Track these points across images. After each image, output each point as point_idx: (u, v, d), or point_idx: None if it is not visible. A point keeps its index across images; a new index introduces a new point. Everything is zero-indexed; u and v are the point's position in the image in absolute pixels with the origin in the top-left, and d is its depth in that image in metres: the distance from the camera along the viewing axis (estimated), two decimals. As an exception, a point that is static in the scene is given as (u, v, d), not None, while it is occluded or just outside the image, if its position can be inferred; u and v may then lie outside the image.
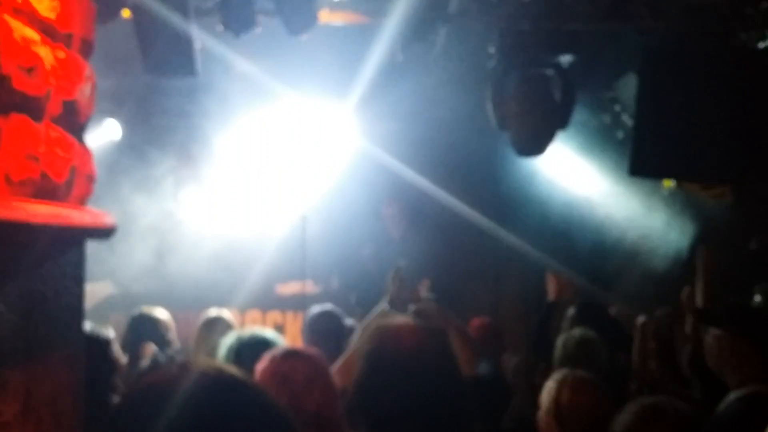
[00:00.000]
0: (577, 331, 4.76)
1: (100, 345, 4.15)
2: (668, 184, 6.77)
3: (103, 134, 7.58)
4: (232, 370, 1.41)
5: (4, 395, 2.96)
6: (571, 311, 5.18)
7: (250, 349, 3.46)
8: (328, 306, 5.44)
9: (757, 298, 5.37)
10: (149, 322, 5.42)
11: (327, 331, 5.05)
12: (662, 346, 4.82)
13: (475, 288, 7.33)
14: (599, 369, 4.27)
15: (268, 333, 3.77)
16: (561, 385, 3.54)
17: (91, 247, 4.15)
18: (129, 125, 7.85)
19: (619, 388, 4.17)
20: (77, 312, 3.56)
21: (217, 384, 1.33)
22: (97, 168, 3.77)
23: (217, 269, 8.07)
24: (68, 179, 3.35)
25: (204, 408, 1.27)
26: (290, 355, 3.01)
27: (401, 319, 2.40)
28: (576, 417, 3.32)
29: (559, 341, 4.77)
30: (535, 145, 6.04)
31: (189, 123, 8.21)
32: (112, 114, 7.55)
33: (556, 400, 3.49)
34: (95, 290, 7.57)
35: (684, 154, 5.73)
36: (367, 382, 2.21)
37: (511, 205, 7.60)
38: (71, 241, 3.39)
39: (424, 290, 5.08)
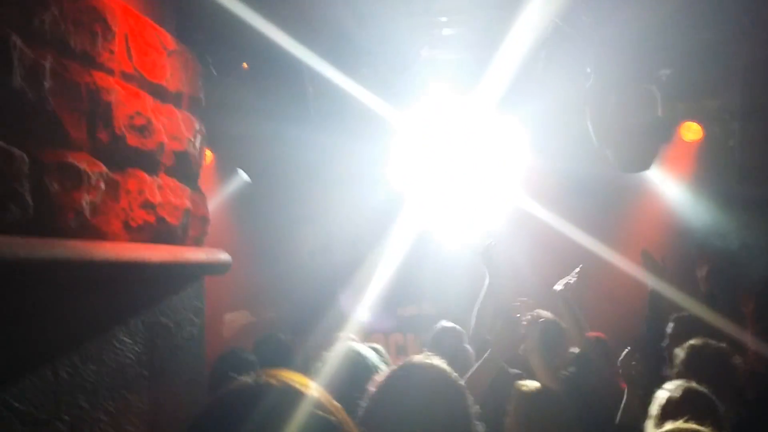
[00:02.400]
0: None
1: None
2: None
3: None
4: (299, 382, 1.50)
5: (131, 418, 3.41)
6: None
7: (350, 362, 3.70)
8: (450, 323, 5.72)
9: None
10: None
11: (449, 346, 5.29)
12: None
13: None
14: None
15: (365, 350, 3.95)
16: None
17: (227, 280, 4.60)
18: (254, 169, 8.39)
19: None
20: (198, 340, 4.00)
21: (279, 397, 1.43)
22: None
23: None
24: (183, 222, 3.80)
25: (265, 421, 1.38)
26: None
27: (427, 358, 2.41)
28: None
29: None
30: (639, 161, 6.06)
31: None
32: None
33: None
34: (233, 319, 8.16)
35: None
36: (372, 411, 2.23)
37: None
38: (188, 277, 3.85)
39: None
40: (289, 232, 9.01)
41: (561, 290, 5.32)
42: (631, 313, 5.93)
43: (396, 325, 8.18)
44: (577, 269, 5.42)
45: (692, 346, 4.24)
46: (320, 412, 1.44)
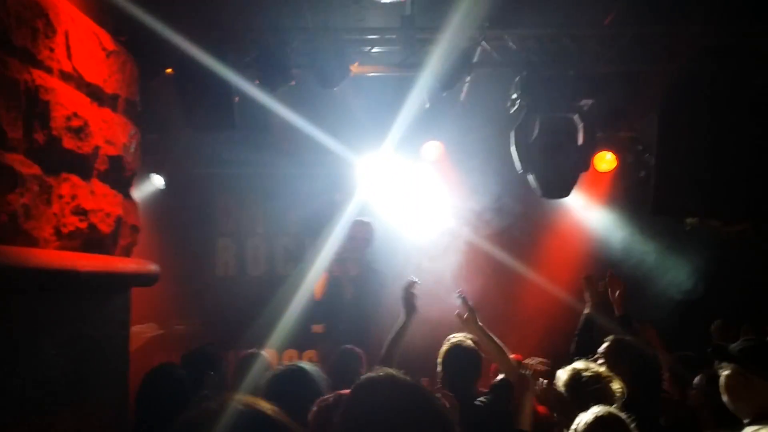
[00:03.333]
0: None
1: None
2: (691, 221, 6.89)
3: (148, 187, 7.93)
4: (265, 406, 1.51)
5: (55, 431, 3.22)
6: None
7: (288, 379, 3.64)
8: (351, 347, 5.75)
9: None
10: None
11: (350, 369, 5.35)
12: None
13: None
14: None
15: (307, 365, 3.93)
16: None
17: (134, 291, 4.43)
18: (171, 176, 8.19)
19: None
20: (124, 354, 3.84)
21: (248, 420, 1.43)
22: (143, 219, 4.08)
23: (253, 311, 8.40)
24: (114, 230, 3.64)
25: None
26: None
27: (386, 372, 2.37)
28: None
29: None
30: (560, 187, 6.21)
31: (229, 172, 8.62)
32: (155, 167, 7.90)
33: None
34: (141, 331, 7.87)
35: (705, 192, 5.85)
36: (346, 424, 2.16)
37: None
38: (118, 288, 3.68)
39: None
40: (204, 246, 8.84)
41: (465, 320, 5.34)
42: (555, 332, 6.01)
43: (310, 342, 8.10)
44: (457, 295, 5.40)
45: (573, 369, 4.40)
46: None
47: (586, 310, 5.51)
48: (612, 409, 3.70)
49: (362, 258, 7.31)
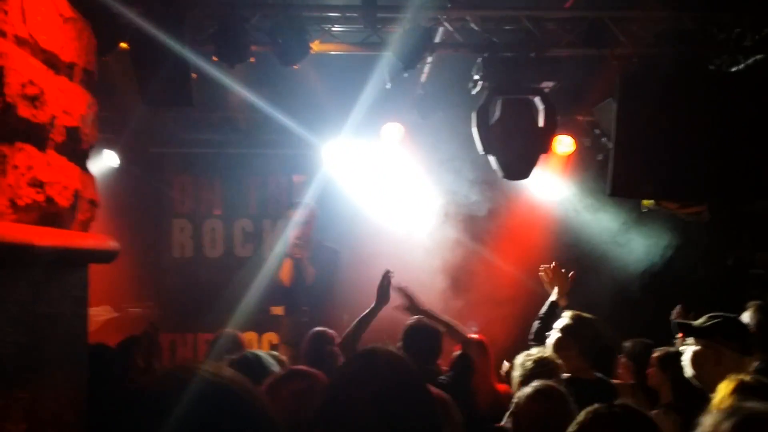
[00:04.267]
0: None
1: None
2: (647, 203, 6.99)
3: (102, 163, 7.77)
4: (229, 373, 1.43)
5: (11, 414, 3.11)
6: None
7: (245, 366, 3.62)
8: (323, 329, 5.79)
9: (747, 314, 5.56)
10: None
11: (322, 349, 5.37)
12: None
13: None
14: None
15: (261, 353, 3.96)
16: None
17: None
18: (126, 155, 8.03)
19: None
20: (81, 332, 3.72)
21: (210, 387, 1.35)
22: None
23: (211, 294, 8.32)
24: (72, 204, 3.53)
25: (194, 411, 1.30)
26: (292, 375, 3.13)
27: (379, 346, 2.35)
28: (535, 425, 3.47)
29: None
30: (520, 168, 6.24)
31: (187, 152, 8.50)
32: (109, 144, 7.74)
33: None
34: (96, 314, 7.72)
35: (661, 175, 5.95)
36: (331, 404, 2.14)
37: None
38: (75, 264, 3.56)
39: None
40: (160, 227, 8.71)
41: (407, 308, 5.39)
42: (514, 315, 6.05)
43: (269, 324, 8.05)
44: (396, 287, 5.47)
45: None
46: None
47: (552, 297, 5.58)
48: (551, 382, 3.76)
49: (310, 240, 7.30)
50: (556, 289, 5.61)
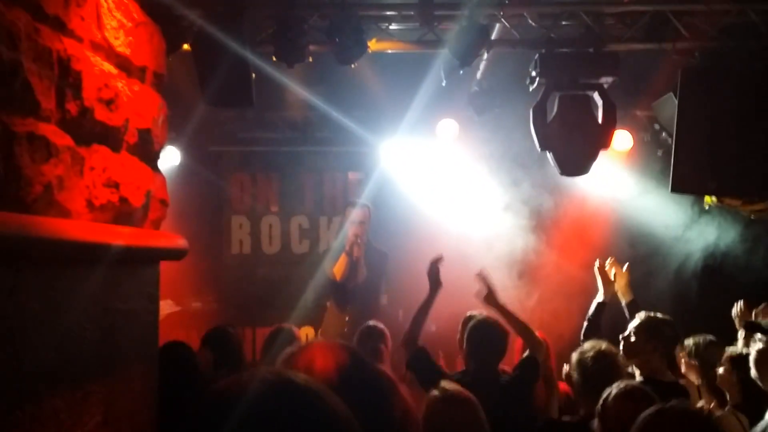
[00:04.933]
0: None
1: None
2: (709, 200, 6.88)
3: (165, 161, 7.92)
4: (293, 375, 1.40)
5: (87, 406, 3.21)
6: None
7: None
8: (375, 323, 5.85)
9: None
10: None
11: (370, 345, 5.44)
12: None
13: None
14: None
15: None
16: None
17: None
18: (187, 153, 8.18)
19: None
20: (153, 328, 3.82)
21: (276, 391, 1.33)
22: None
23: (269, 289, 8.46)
24: (144, 204, 3.63)
25: (264, 414, 1.28)
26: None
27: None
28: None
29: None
30: (578, 164, 6.20)
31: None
32: (171, 143, 7.90)
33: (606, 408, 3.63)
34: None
35: (723, 171, 5.86)
36: None
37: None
38: (148, 261, 3.66)
39: None
40: (219, 224, 8.86)
41: (485, 298, 5.35)
42: (579, 311, 6.00)
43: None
44: (478, 273, 5.43)
45: (580, 351, 4.43)
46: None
47: (599, 298, 5.54)
48: (636, 383, 3.73)
49: (364, 240, 7.35)
50: (602, 289, 5.58)
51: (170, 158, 8.14)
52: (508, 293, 5.50)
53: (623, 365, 4.48)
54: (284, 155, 8.78)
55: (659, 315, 4.85)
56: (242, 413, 1.28)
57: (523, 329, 5.13)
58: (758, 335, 3.94)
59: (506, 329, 5.07)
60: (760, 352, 3.85)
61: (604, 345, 4.50)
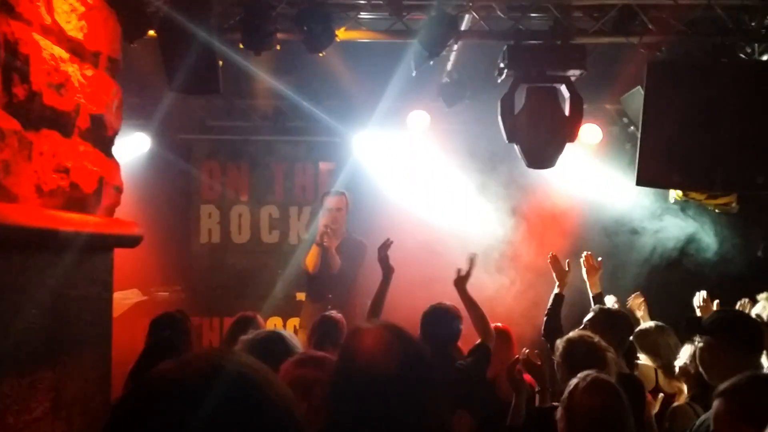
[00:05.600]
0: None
1: None
2: (679, 196, 6.91)
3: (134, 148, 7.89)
4: (228, 359, 1.35)
5: (35, 393, 3.19)
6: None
7: (266, 344, 3.65)
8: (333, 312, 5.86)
9: (759, 306, 5.50)
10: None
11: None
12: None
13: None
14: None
15: (284, 332, 3.97)
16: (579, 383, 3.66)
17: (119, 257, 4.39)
18: (156, 141, 8.12)
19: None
20: (107, 315, 3.80)
21: (206, 377, 1.29)
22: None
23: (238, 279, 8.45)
24: (97, 190, 3.60)
25: (194, 401, 1.25)
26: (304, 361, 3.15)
27: (375, 323, 2.38)
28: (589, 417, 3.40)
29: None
30: (545, 157, 6.20)
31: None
32: (140, 130, 7.84)
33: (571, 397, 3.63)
34: (124, 297, 7.84)
35: (689, 165, 5.89)
36: (336, 384, 2.19)
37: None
38: (100, 249, 3.63)
39: None
40: (188, 213, 8.81)
41: (456, 280, 5.39)
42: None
43: (294, 310, 8.12)
44: (472, 257, 5.51)
45: (568, 339, 4.38)
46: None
47: (556, 290, 5.57)
48: (603, 375, 3.71)
49: (340, 229, 7.31)
50: (557, 282, 5.61)
51: (140, 145, 8.09)
52: (482, 282, 5.52)
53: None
54: (254, 144, 8.74)
55: (612, 308, 4.91)
56: (174, 399, 1.25)
57: (479, 318, 5.19)
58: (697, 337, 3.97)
59: (458, 314, 5.11)
60: (700, 350, 3.89)
61: (595, 337, 4.45)
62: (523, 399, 4.38)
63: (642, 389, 4.48)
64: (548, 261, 5.82)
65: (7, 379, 2.92)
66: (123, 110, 6.65)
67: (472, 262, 5.44)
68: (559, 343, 4.40)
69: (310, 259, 7.17)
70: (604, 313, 4.94)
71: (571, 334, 4.48)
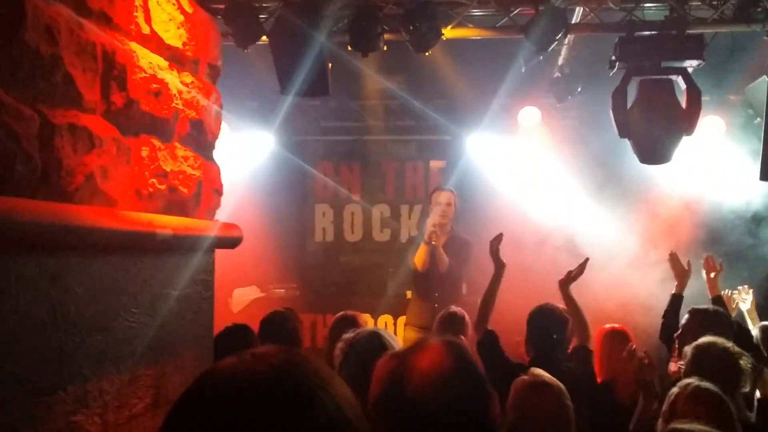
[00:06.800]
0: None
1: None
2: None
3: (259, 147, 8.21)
4: (302, 359, 1.35)
5: (135, 389, 3.33)
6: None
7: (366, 343, 3.67)
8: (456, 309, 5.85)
9: None
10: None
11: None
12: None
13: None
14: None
15: (383, 332, 3.98)
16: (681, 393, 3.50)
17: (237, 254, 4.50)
18: (274, 140, 8.36)
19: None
20: (207, 314, 3.92)
21: (278, 376, 1.29)
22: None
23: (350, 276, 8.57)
24: (196, 193, 3.72)
25: (260, 399, 1.25)
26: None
27: (429, 338, 2.32)
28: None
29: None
30: (660, 152, 5.94)
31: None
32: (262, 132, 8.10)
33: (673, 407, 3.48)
34: (243, 294, 8.13)
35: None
36: (387, 399, 2.12)
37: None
38: (199, 250, 3.76)
39: None
40: (303, 212, 9.01)
41: (561, 280, 5.26)
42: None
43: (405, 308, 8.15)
44: (584, 261, 5.38)
45: (698, 346, 4.15)
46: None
47: (674, 291, 5.35)
48: (707, 383, 3.54)
49: (448, 227, 7.27)
50: (676, 282, 5.37)
51: (266, 145, 8.33)
52: (583, 286, 5.35)
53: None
54: (366, 144, 8.84)
55: (710, 308, 4.68)
56: (240, 394, 1.26)
57: (579, 320, 5.03)
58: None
59: (565, 316, 4.98)
60: None
61: (728, 343, 4.23)
62: (651, 402, 4.19)
63: None
64: (668, 260, 5.59)
65: (107, 376, 3.06)
66: (243, 113, 6.87)
67: (582, 265, 5.31)
68: (688, 349, 4.19)
69: (419, 258, 7.17)
70: (700, 314, 4.69)
71: (701, 339, 4.24)
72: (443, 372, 2.10)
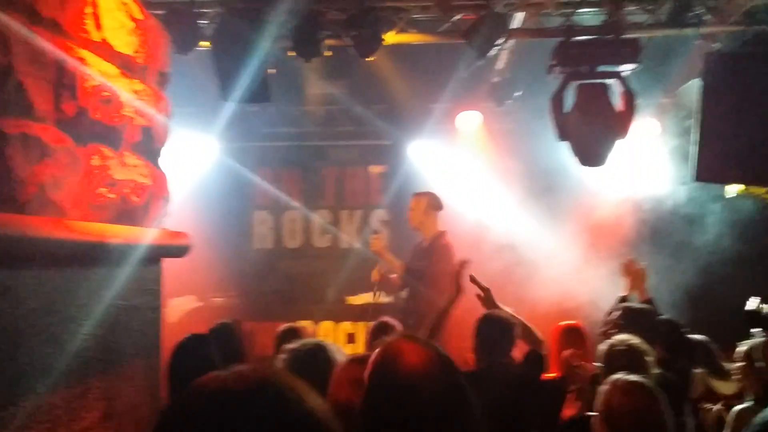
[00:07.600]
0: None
1: None
2: (740, 190, 6.69)
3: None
4: (276, 374, 1.40)
5: (86, 402, 3.25)
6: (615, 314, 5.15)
7: (310, 356, 3.63)
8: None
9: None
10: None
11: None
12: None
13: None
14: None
15: (328, 343, 3.95)
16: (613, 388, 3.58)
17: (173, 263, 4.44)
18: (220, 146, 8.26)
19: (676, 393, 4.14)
20: (155, 324, 3.85)
21: (254, 391, 1.34)
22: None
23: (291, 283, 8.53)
24: (145, 202, 3.65)
25: (239, 414, 1.29)
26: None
27: (407, 337, 2.34)
28: (626, 421, 3.33)
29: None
30: (597, 154, 6.08)
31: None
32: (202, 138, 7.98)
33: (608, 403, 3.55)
34: (181, 304, 7.97)
35: (750, 159, 5.70)
36: (371, 400, 2.15)
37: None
38: (149, 260, 3.68)
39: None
40: (241, 219, 8.90)
41: (484, 306, 5.26)
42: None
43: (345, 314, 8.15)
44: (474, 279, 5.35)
45: (610, 344, 4.29)
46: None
47: (622, 293, 5.45)
48: (637, 377, 3.62)
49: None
50: (624, 284, 5.48)
51: (210, 151, 8.21)
52: (522, 289, 5.41)
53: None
54: (307, 150, 8.80)
55: (636, 305, 4.82)
56: (218, 410, 1.29)
57: (523, 328, 5.07)
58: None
59: (511, 322, 5.02)
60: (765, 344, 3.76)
61: (635, 340, 4.35)
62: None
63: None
64: (622, 264, 5.64)
65: (57, 389, 2.98)
66: (183, 119, 6.76)
67: (475, 281, 5.25)
68: (601, 347, 4.29)
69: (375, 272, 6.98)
70: (625, 311, 4.82)
71: (614, 338, 4.36)
72: (431, 359, 2.14)
